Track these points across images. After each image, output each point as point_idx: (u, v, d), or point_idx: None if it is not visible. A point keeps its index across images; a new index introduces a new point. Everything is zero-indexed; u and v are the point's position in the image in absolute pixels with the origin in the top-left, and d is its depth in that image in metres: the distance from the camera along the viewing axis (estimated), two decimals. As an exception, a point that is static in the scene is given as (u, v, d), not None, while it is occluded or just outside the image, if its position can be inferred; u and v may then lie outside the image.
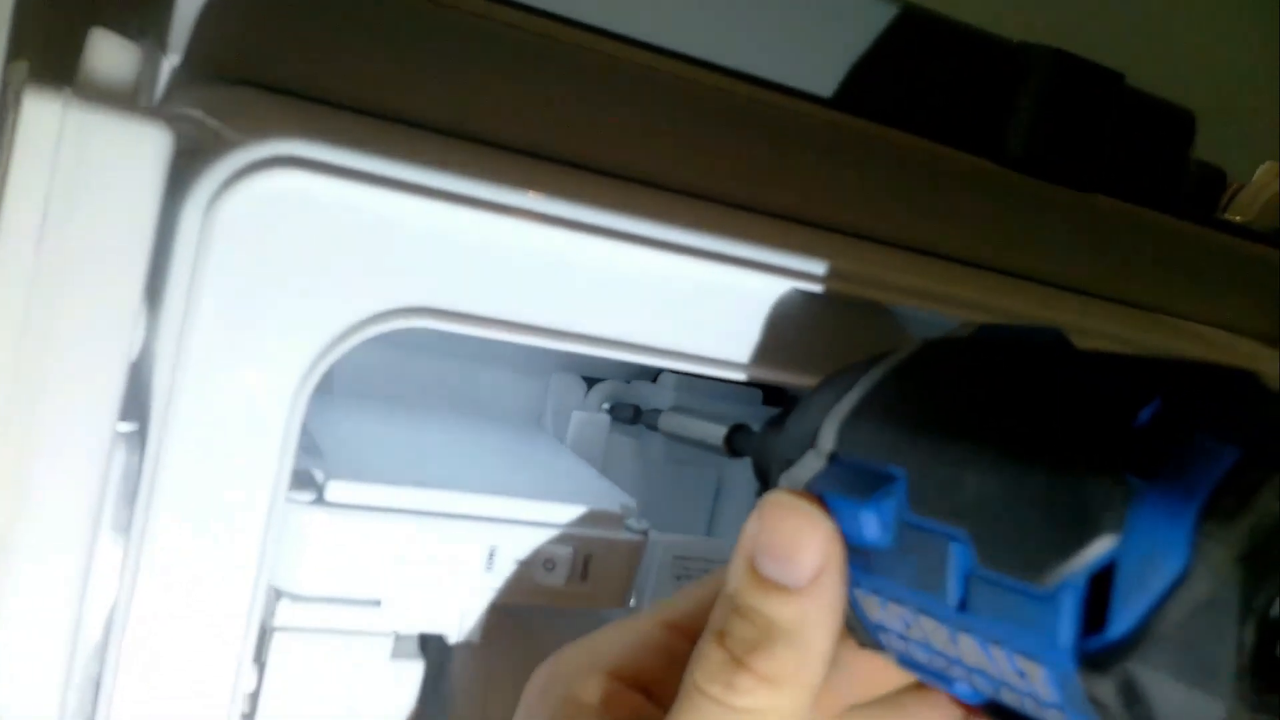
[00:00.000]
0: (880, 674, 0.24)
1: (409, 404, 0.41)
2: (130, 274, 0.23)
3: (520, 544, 0.31)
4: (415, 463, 0.33)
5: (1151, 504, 0.16)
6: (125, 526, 0.26)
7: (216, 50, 0.27)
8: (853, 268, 0.31)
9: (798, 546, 0.21)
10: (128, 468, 0.25)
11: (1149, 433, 0.17)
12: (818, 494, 0.22)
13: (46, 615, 0.25)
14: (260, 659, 0.30)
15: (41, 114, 0.22)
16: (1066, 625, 0.17)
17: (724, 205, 0.32)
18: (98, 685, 0.26)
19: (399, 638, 0.32)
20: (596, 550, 0.32)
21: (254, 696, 0.30)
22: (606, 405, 0.43)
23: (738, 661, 0.21)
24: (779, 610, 0.21)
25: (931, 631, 0.20)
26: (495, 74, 0.29)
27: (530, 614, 0.34)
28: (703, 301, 0.30)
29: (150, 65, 0.27)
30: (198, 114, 0.25)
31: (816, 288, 0.31)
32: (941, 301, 0.33)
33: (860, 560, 0.21)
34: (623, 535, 0.33)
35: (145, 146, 0.22)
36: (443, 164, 0.26)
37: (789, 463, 0.23)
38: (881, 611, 0.21)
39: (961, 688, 0.21)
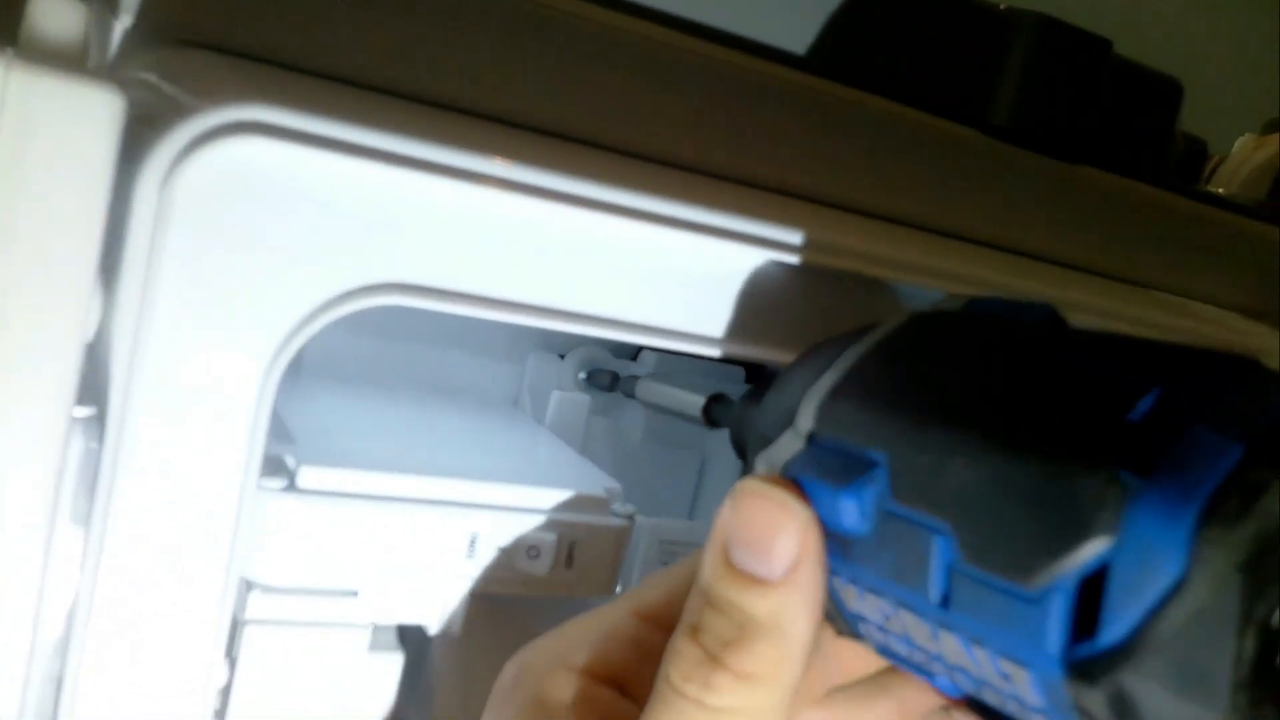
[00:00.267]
0: (861, 657, 0.23)
1: (382, 387, 0.40)
2: (83, 249, 0.22)
3: (502, 531, 0.30)
4: (391, 447, 0.32)
5: (1148, 504, 0.15)
6: (85, 517, 0.24)
7: (171, 12, 0.25)
8: (833, 239, 0.30)
9: (773, 536, 0.20)
10: (86, 455, 0.24)
11: (1146, 426, 0.16)
12: (794, 478, 0.21)
13: (3, 612, 0.24)
14: (231, 653, 0.29)
15: (-18, 76, 0.20)
16: (1054, 630, 0.16)
17: (700, 174, 0.31)
18: (59, 684, 0.25)
19: (377, 629, 0.31)
20: (581, 536, 0.31)
21: (225, 692, 0.29)
22: (583, 373, 0.42)
23: (714, 659, 0.20)
24: (755, 603, 0.20)
25: (912, 626, 0.19)
26: (465, 37, 0.28)
27: (513, 603, 0.33)
28: (680, 275, 0.29)
29: (100, 28, 0.25)
30: (152, 78, 0.24)
31: (796, 259, 0.30)
32: (924, 274, 0.32)
33: (838, 547, 0.20)
34: (609, 520, 0.32)
35: (96, 111, 0.21)
36: (412, 130, 0.25)
37: (766, 441, 0.22)
38: (859, 602, 0.20)
39: (943, 681, 0.20)
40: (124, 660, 0.25)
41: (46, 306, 0.22)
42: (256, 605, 0.28)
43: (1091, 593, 0.16)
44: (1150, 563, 0.15)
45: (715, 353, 0.30)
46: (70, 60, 0.21)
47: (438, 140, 0.25)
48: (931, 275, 0.32)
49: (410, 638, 0.33)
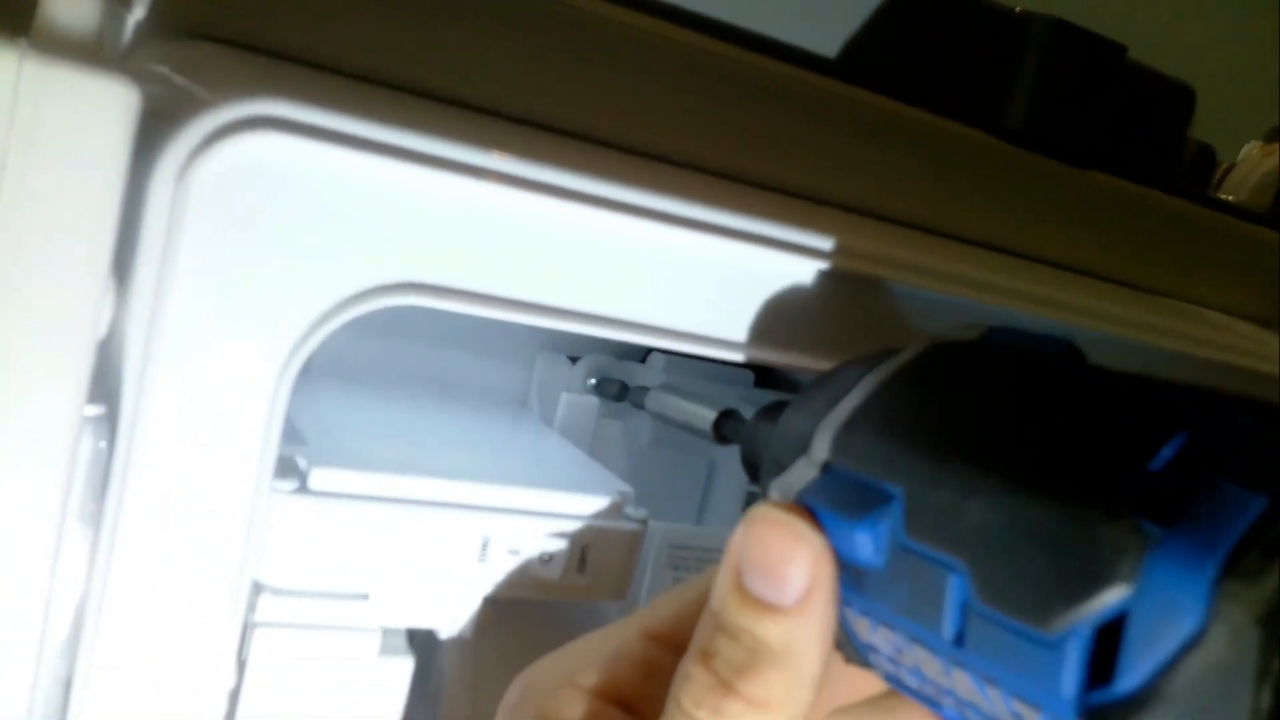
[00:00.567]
0: (865, 677, 0.23)
1: (392, 388, 0.39)
2: (96, 244, 0.22)
3: (515, 534, 0.30)
4: (402, 449, 0.32)
5: (1168, 554, 0.15)
6: (95, 518, 0.24)
7: (183, 4, 0.25)
8: (845, 241, 0.30)
9: (786, 563, 0.20)
10: (96, 454, 0.24)
11: (1169, 474, 0.16)
12: (808, 506, 0.20)
13: (11, 613, 0.23)
14: (241, 656, 0.28)
15: (-4, 67, 0.20)
16: (1070, 676, 0.16)
17: (718, 177, 0.30)
18: (68, 686, 0.25)
19: (387, 633, 0.31)
20: (595, 540, 0.31)
21: (234, 695, 0.28)
22: (593, 381, 0.42)
23: (725, 685, 0.20)
24: (767, 630, 0.20)
25: (924, 661, 0.19)
26: (485, 34, 0.28)
27: (524, 607, 0.33)
28: (695, 277, 0.29)
29: (114, 19, 0.25)
30: (165, 71, 0.24)
31: (810, 262, 0.30)
32: (937, 278, 0.32)
33: (851, 578, 0.20)
34: (622, 524, 0.32)
35: (111, 104, 0.21)
36: (431, 128, 0.24)
37: (780, 466, 0.22)
38: (872, 634, 0.20)
39: (951, 714, 0.20)
40: (132, 662, 0.25)
41: (58, 302, 0.22)
42: (267, 608, 0.28)
43: (1108, 640, 0.16)
44: (1169, 613, 0.15)
45: (728, 355, 0.30)
46: (85, 51, 0.21)
47: (457, 138, 0.24)
48: (943, 279, 0.32)
49: (420, 642, 0.32)
